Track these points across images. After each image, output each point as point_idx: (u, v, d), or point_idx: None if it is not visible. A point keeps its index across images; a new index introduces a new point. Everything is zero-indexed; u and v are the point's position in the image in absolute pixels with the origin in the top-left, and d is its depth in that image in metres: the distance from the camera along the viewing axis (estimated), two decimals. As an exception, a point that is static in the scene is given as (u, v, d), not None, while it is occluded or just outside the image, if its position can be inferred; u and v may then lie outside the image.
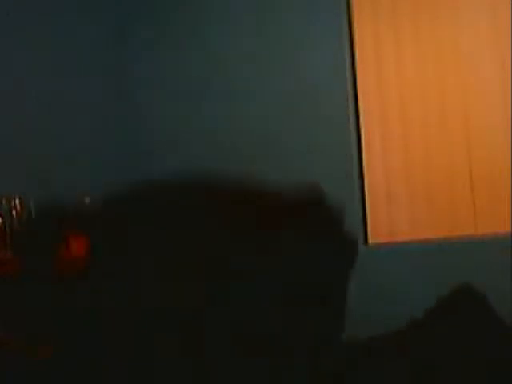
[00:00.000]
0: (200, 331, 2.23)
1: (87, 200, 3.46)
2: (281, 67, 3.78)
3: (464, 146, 3.47)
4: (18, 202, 3.16)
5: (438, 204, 3.47)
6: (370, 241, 3.56)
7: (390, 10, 3.64)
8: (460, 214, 3.43)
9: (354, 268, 2.54)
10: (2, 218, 3.12)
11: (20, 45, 3.50)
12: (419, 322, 2.38)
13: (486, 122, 3.43)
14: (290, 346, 2.21)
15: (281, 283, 2.36)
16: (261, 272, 2.34)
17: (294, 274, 2.39)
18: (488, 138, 3.42)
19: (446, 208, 3.46)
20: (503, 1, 3.44)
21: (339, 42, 3.67)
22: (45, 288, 2.46)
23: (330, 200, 2.58)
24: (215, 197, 2.52)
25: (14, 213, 3.14)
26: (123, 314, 2.25)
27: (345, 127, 3.62)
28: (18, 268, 2.61)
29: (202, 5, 3.99)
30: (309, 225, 2.51)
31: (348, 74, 3.66)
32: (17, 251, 2.68)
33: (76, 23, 3.82)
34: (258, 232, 2.46)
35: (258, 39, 3.84)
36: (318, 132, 3.66)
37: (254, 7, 3.85)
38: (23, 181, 3.30)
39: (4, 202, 3.14)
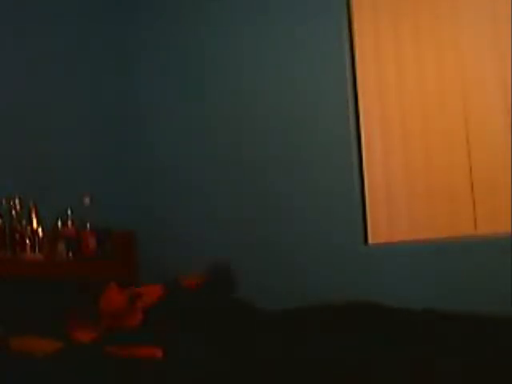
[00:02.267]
0: None
1: (87, 200, 3.46)
2: (280, 67, 3.78)
3: (464, 146, 3.46)
4: (17, 201, 3.16)
5: (438, 204, 3.47)
6: (370, 241, 3.56)
7: (390, 9, 3.63)
8: (460, 213, 3.42)
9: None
10: (2, 218, 3.12)
11: (20, 45, 3.51)
12: None
13: (486, 121, 3.42)
14: None
15: None
16: None
17: None
18: (488, 138, 3.41)
19: (446, 208, 3.45)
20: (503, 1, 3.43)
21: (339, 42, 3.67)
22: None
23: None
24: None
25: (13, 213, 3.15)
26: None
27: (345, 127, 3.62)
28: None
29: (202, 5, 3.99)
30: None
31: (348, 74, 3.65)
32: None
33: (76, 23, 3.83)
34: None
35: (257, 39, 3.84)
36: (318, 132, 3.66)
37: (253, 7, 3.86)
38: (23, 181, 3.30)
39: (4, 202, 3.14)
